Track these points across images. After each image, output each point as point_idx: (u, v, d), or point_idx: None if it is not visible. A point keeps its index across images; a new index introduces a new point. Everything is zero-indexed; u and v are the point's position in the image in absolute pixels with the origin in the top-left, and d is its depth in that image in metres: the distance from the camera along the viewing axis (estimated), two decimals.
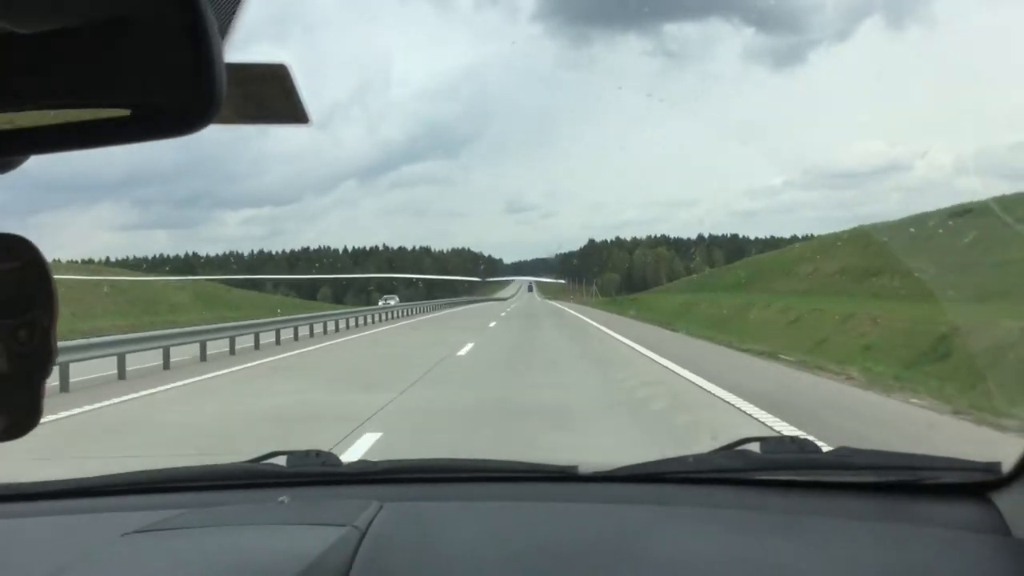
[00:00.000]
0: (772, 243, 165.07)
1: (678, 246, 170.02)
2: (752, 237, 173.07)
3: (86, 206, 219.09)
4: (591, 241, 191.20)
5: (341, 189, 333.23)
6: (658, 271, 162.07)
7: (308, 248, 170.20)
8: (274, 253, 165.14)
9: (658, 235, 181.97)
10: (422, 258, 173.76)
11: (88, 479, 1.56)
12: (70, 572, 1.05)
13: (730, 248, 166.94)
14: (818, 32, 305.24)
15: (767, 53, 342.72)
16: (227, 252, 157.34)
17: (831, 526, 1.25)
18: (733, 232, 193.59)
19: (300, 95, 0.61)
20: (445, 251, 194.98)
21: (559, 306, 55.47)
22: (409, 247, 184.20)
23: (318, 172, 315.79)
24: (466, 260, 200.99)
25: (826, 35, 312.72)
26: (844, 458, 1.42)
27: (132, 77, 0.43)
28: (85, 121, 0.45)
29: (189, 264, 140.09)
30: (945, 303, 13.25)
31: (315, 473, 1.55)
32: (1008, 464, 1.27)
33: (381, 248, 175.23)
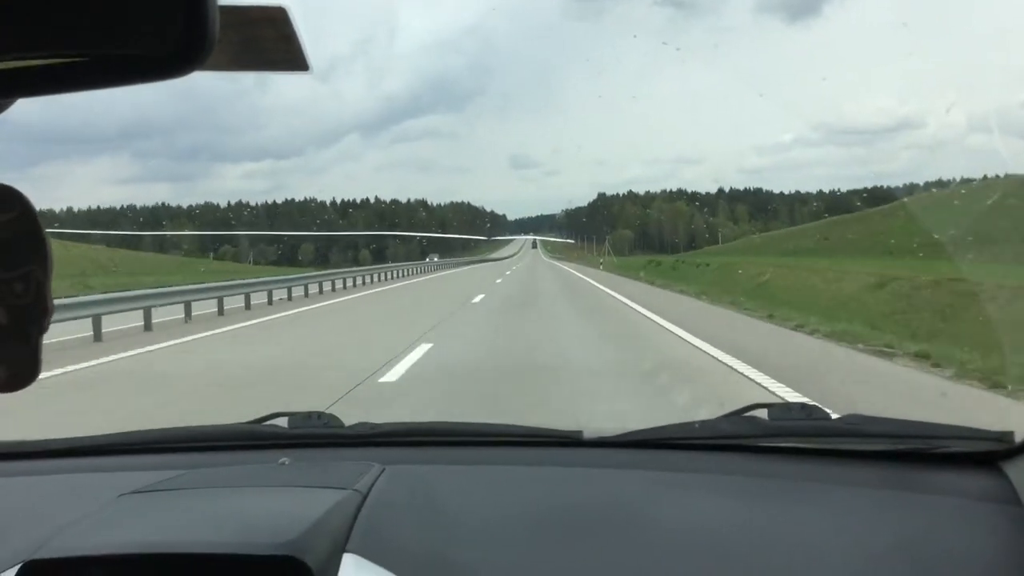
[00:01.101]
0: (799, 198, 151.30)
1: (695, 201, 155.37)
2: (776, 191, 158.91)
3: (86, 158, 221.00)
4: (601, 195, 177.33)
5: (344, 143, 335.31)
6: (676, 227, 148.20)
7: (292, 200, 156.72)
8: (252, 204, 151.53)
9: (673, 189, 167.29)
10: (417, 211, 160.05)
11: (85, 438, 1.56)
12: (66, 532, 1.04)
13: (753, 203, 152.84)
14: None
15: (780, 4, 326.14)
16: (203, 203, 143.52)
17: (839, 493, 1.24)
18: (756, 186, 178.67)
19: (301, 40, 0.58)
20: (443, 204, 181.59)
21: (571, 271, 44.42)
22: (404, 199, 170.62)
23: (320, 125, 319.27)
24: (466, 215, 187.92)
25: None
26: (853, 425, 1.40)
27: (120, 18, 0.42)
28: (73, 63, 0.44)
29: (167, 216, 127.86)
30: None
31: (316, 435, 1.55)
32: (1021, 433, 1.26)
33: (373, 201, 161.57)
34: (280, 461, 1.35)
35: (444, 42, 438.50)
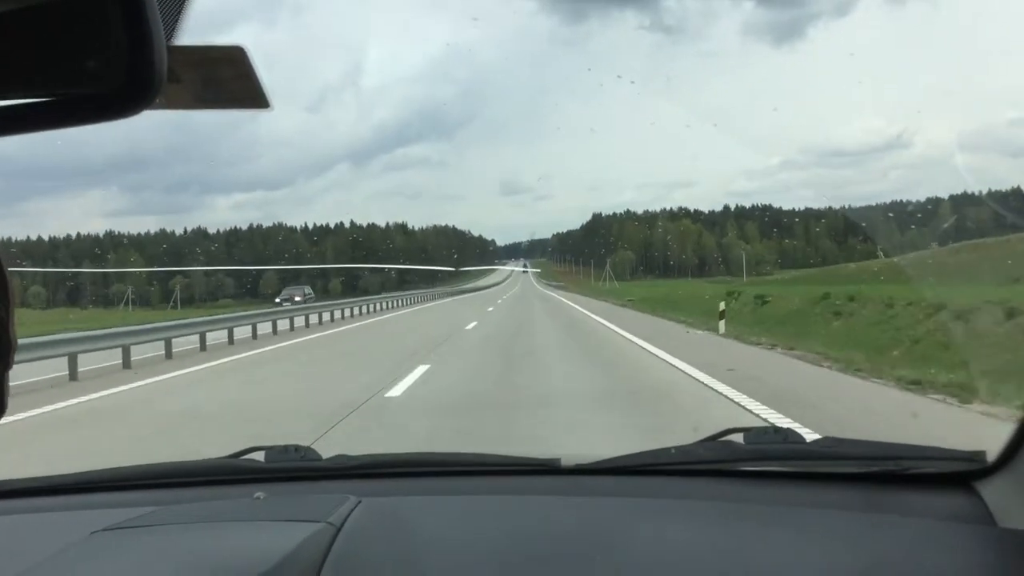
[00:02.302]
0: (813, 215, 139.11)
1: (700, 219, 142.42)
2: (787, 208, 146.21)
3: (77, 192, 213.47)
4: (596, 216, 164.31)
5: (334, 172, 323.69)
6: (684, 247, 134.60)
7: (259, 226, 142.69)
8: (210, 232, 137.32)
9: (675, 208, 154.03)
10: (393, 236, 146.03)
11: (57, 476, 1.55)
12: (38, 571, 1.04)
13: (762, 220, 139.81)
14: (818, 5, 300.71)
15: (766, 28, 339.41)
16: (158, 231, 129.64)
17: (816, 517, 1.25)
18: (764, 202, 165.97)
19: (259, 78, 0.60)
20: (424, 228, 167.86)
21: (581, 311, 28.95)
22: (381, 223, 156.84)
23: (310, 155, 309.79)
24: (450, 240, 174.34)
25: (826, 8, 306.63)
26: (828, 448, 1.41)
27: (68, 59, 0.42)
28: (28, 103, 0.44)
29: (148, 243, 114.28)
30: None
31: (293, 468, 1.53)
32: (992, 453, 1.26)
33: (348, 226, 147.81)
34: (256, 495, 1.33)
35: (434, 70, 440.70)
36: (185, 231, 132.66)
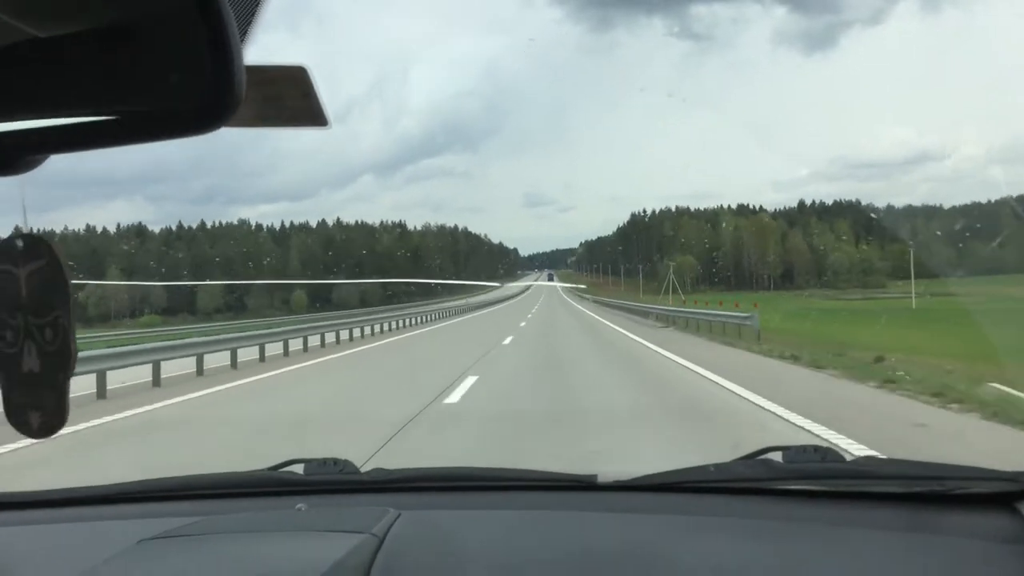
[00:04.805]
0: (926, 212, 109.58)
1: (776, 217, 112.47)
2: (877, 204, 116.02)
3: (101, 203, 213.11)
4: (636, 216, 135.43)
5: (358, 184, 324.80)
6: (765, 250, 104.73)
7: (221, 223, 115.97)
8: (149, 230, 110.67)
9: (731, 205, 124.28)
10: (379, 239, 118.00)
11: (104, 487, 1.60)
12: None
13: (855, 217, 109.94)
14: (851, 13, 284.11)
15: (797, 36, 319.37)
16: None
17: (855, 536, 1.24)
18: (848, 198, 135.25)
19: (319, 97, 0.61)
20: (422, 227, 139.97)
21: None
22: (371, 221, 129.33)
23: (334, 167, 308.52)
24: (457, 243, 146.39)
25: (860, 16, 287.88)
26: (868, 468, 1.43)
27: (150, 77, 0.44)
28: (105, 120, 0.45)
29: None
30: None
31: (332, 481, 1.57)
32: None
33: (331, 224, 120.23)
34: (297, 507, 1.37)
35: (459, 82, 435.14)
36: (118, 227, 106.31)
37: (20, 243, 0.55)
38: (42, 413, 0.55)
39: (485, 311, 47.43)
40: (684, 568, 1.14)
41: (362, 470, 1.59)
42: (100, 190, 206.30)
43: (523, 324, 28.30)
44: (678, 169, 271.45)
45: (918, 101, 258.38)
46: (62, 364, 0.55)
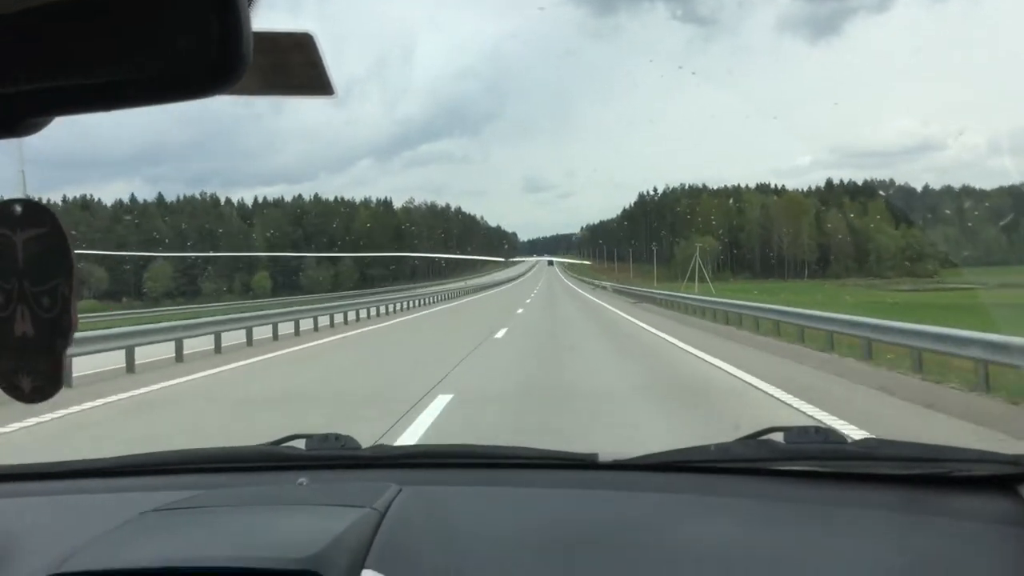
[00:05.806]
0: (966, 192, 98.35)
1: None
2: (928, 186, 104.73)
3: (100, 183, 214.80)
4: (644, 196, 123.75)
5: (357, 168, 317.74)
6: (798, 232, 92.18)
7: (177, 198, 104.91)
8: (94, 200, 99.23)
9: (751, 184, 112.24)
10: (352, 216, 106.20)
11: (105, 459, 1.61)
12: (90, 547, 1.09)
13: (901, 197, 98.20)
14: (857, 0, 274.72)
15: (802, 22, 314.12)
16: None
17: (855, 517, 1.25)
18: (875, 176, 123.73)
19: (325, 65, 0.60)
20: (414, 205, 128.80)
21: None
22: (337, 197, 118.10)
23: (334, 150, 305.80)
24: (447, 223, 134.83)
25: (866, 3, 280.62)
26: (869, 449, 1.43)
27: (156, 38, 0.43)
28: (110, 82, 0.45)
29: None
30: None
31: (334, 456, 1.58)
32: None
33: (299, 199, 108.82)
34: (298, 481, 1.38)
35: (460, 65, 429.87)
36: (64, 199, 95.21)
37: (18, 208, 0.55)
38: (34, 378, 0.56)
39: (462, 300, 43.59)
40: (683, 547, 1.16)
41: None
42: (96, 171, 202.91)
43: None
44: (680, 155, 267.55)
45: (921, 90, 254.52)
46: (60, 331, 0.55)
